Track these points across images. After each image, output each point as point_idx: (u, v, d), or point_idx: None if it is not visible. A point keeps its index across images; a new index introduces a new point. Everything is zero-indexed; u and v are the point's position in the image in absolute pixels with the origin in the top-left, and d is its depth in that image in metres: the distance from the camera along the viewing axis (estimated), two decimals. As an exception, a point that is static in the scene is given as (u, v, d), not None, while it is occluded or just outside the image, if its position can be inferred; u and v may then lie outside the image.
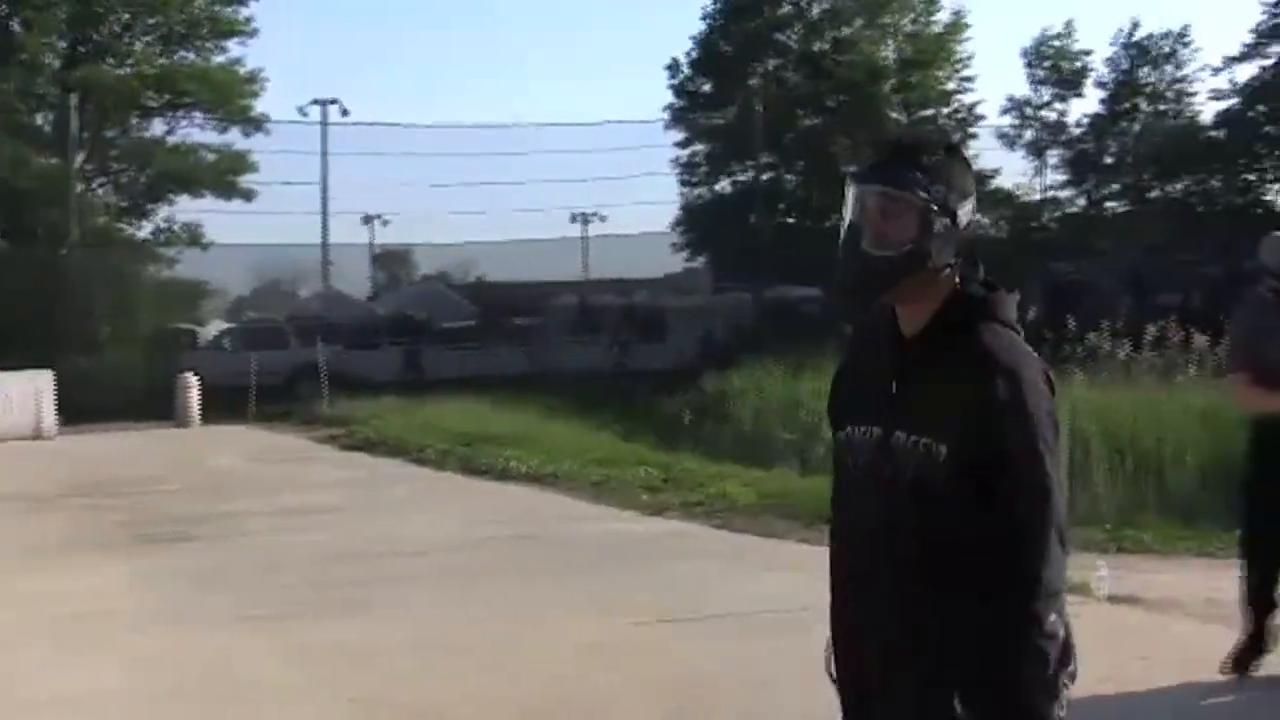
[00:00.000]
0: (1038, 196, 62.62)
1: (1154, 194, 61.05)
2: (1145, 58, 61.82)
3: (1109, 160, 61.94)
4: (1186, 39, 61.80)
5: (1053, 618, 3.42)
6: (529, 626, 11.30)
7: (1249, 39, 58.46)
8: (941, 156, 3.62)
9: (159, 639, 11.24)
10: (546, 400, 34.33)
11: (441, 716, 8.84)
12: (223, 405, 37.28)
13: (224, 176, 51.97)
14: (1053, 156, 63.07)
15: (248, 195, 52.97)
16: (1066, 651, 3.47)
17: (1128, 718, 8.06)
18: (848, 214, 3.63)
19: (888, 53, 62.60)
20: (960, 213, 3.58)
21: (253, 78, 52.28)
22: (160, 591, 13.48)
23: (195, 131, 52.27)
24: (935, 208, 3.53)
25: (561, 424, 29.63)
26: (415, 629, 11.30)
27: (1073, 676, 3.49)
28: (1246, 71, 58.83)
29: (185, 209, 52.96)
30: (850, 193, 3.64)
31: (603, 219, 75.06)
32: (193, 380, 37.27)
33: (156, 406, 36.85)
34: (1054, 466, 3.48)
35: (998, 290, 3.66)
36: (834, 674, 3.95)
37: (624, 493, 19.31)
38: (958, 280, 3.63)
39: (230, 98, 51.31)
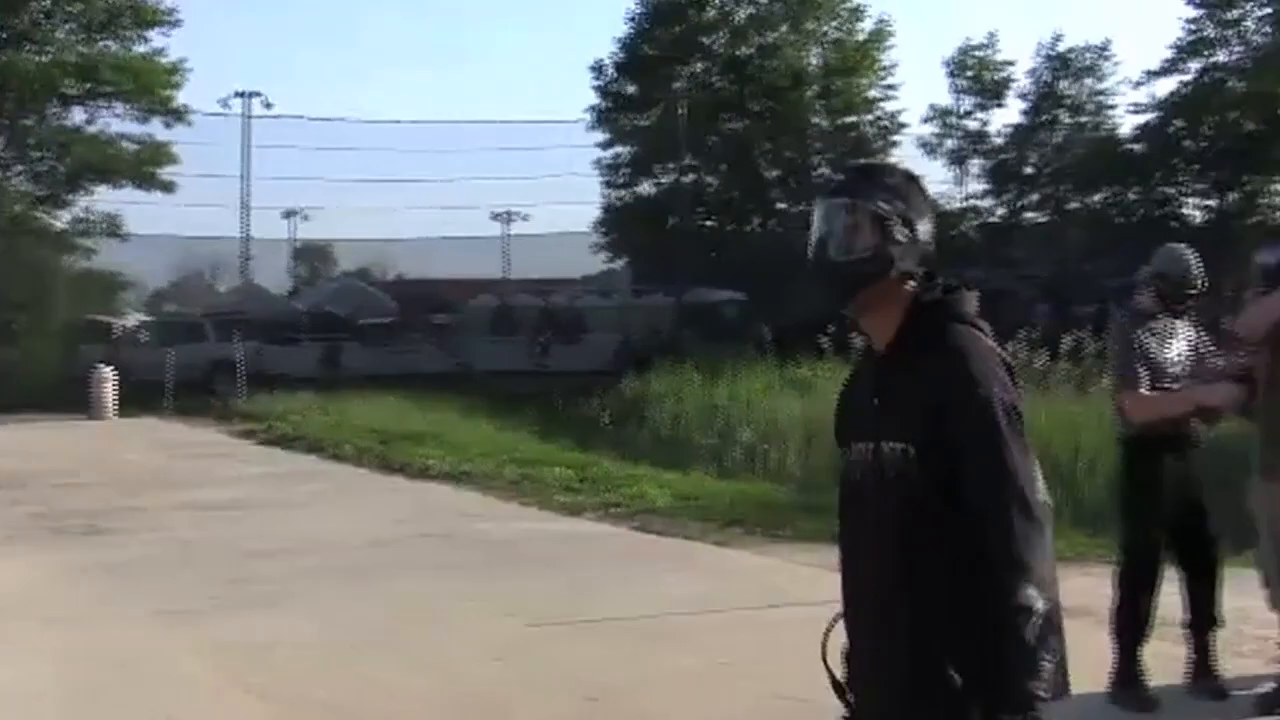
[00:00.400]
0: (958, 205, 62.93)
1: (1073, 205, 61.52)
2: (1066, 70, 62.27)
3: (1029, 171, 62.38)
4: (1107, 53, 62.33)
5: (1028, 592, 3.52)
6: (439, 624, 11.33)
7: (1169, 54, 59.05)
8: (900, 179, 3.91)
9: (70, 633, 11.20)
10: (465, 399, 34.34)
11: (348, 712, 8.87)
12: (139, 398, 37.10)
13: (144, 167, 51.55)
14: (974, 166, 63.48)
15: (168, 187, 52.62)
16: (1047, 628, 3.54)
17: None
18: (815, 231, 3.88)
19: (812, 59, 62.86)
20: (919, 227, 3.83)
21: (175, 68, 51.86)
22: (72, 585, 13.42)
23: (116, 121, 51.80)
24: (895, 219, 3.78)
25: (479, 423, 29.64)
26: (325, 625, 11.31)
27: (1054, 653, 3.56)
28: (1166, 86, 59.40)
29: (104, 199, 52.61)
30: (817, 209, 3.91)
31: (524, 218, 75.03)
32: (109, 373, 37.07)
33: (71, 398, 36.65)
34: (1017, 452, 3.64)
35: (957, 291, 3.87)
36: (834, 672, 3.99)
37: (540, 493, 19.35)
38: (917, 290, 3.84)
39: (152, 88, 50.86)
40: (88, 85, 50.31)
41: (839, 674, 3.96)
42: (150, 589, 13.06)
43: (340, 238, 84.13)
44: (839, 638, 3.93)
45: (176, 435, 31.40)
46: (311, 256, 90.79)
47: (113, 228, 52.26)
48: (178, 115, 51.93)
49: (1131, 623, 8.50)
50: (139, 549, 15.49)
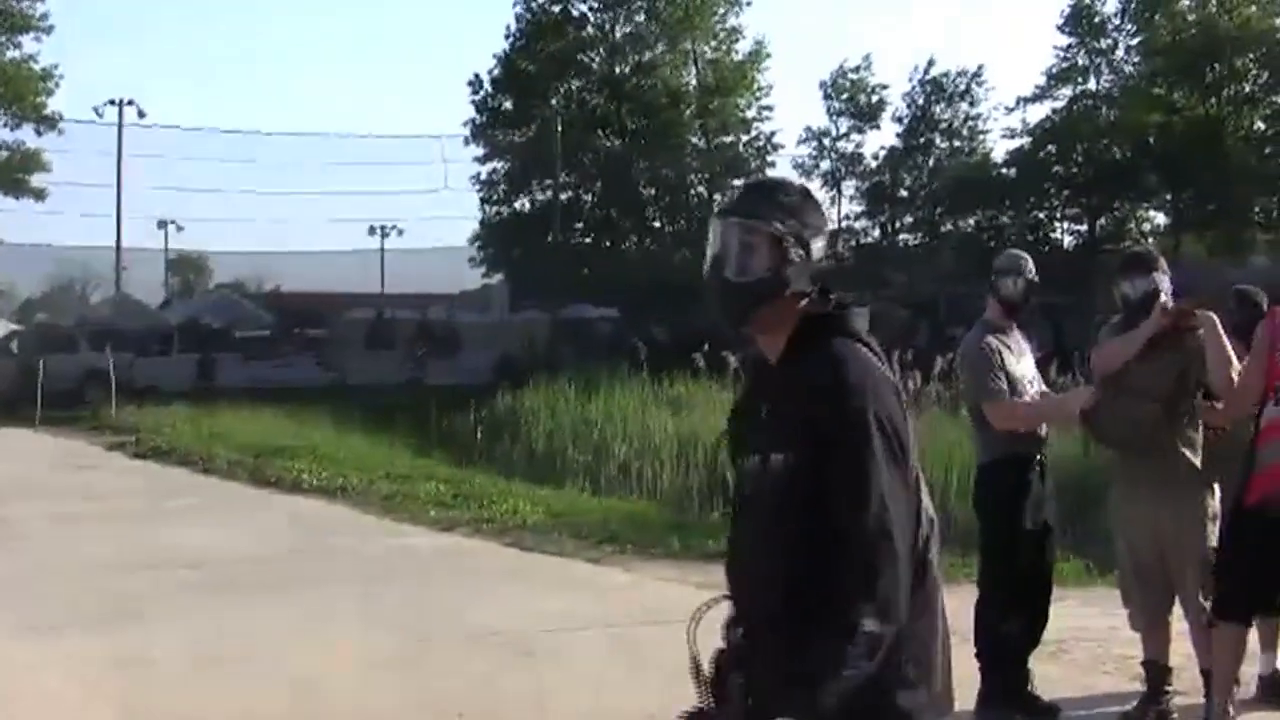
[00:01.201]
0: (833, 226, 63.46)
1: (947, 227, 62.27)
2: (941, 94, 63.01)
3: (904, 193, 63.07)
4: (980, 78, 63.22)
5: (861, 616, 3.54)
6: (308, 640, 11.28)
7: (1041, 81, 59.93)
8: (796, 197, 3.94)
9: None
10: (340, 413, 34.21)
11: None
12: (8, 409, 36.70)
13: (14, 174, 51.01)
14: (849, 187, 64.08)
15: (39, 194, 52.14)
16: (863, 655, 3.54)
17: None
18: (711, 248, 3.92)
19: (689, 78, 63.20)
20: (814, 246, 3.88)
21: (47, 75, 51.38)
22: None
23: (-15, 128, 51.21)
24: (791, 239, 3.83)
25: (354, 437, 29.54)
26: (191, 640, 11.21)
27: (861, 677, 3.55)
28: (1038, 112, 60.33)
29: (-27, 206, 51.97)
30: (713, 227, 3.94)
31: (400, 232, 74.78)
32: (-25, 383, 36.61)
33: (-63, 410, 36.14)
34: (885, 470, 3.64)
35: (846, 308, 3.95)
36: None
37: (414, 508, 19.28)
38: (810, 305, 3.90)
39: (23, 94, 50.35)
40: (-44, 91, 49.73)
41: (706, 657, 3.93)
42: (13, 603, 12.88)
43: (215, 249, 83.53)
44: (711, 625, 3.94)
45: (46, 446, 31.02)
46: (186, 268, 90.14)
47: (-18, 235, 51.62)
48: (49, 122, 51.42)
49: (996, 643, 8.50)
50: (3, 561, 15.29)
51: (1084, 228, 60.91)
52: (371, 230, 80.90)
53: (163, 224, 79.00)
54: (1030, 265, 8.72)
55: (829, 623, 3.56)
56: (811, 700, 3.54)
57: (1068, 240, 61.50)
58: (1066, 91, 59.54)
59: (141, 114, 62.29)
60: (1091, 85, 59.49)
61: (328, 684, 9.89)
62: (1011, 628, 8.54)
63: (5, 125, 51.00)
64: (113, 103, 61.18)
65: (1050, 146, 59.04)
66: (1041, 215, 61.58)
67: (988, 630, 8.54)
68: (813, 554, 3.65)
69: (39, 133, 51.31)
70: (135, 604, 12.66)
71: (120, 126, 61.73)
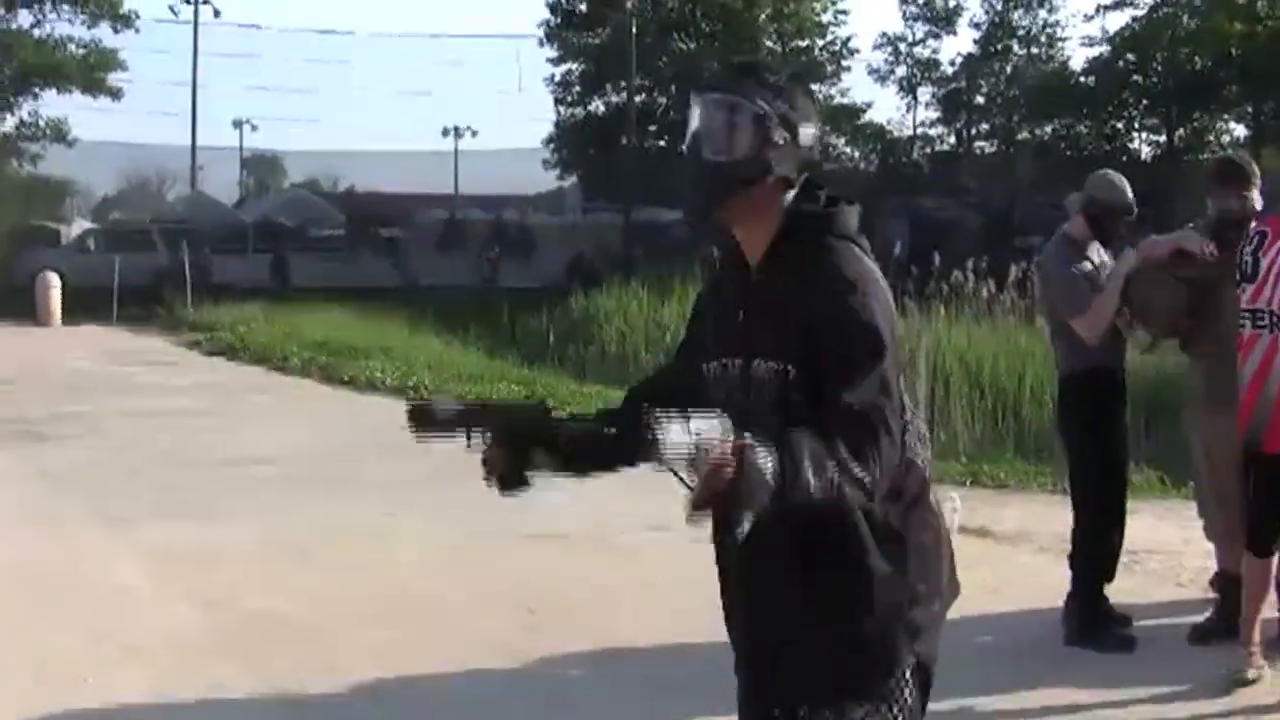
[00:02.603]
0: (908, 133, 63.01)
1: (1023, 136, 61.70)
2: (1019, 0, 62.30)
3: (980, 100, 62.49)
4: (1060, -15, 62.34)
5: (858, 473, 3.32)
6: (380, 536, 11.35)
7: (1121, -12, 59.15)
8: (785, 79, 3.66)
9: (8, 539, 11.17)
10: (412, 314, 34.26)
11: (288, 622, 8.88)
12: (85, 306, 36.89)
13: (92, 73, 51.08)
14: (924, 94, 63.55)
15: (115, 93, 52.21)
16: (845, 492, 3.31)
17: (976, 647, 8.22)
18: (692, 124, 3.65)
19: (765, -20, 62.68)
20: (802, 132, 3.61)
21: (123, -29, 51.33)
22: (13, 491, 13.38)
23: (63, 25, 51.24)
24: (776, 120, 3.56)
25: (427, 338, 29.60)
26: (266, 535, 11.31)
27: (834, 493, 3.29)
28: (1117, 20, 59.64)
29: (51, 104, 52.12)
30: (694, 105, 3.67)
31: (474, 134, 74.76)
32: (55, 279, 36.87)
33: (17, 305, 36.46)
34: (890, 377, 3.45)
35: (837, 204, 3.67)
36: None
37: (486, 409, 19.29)
38: (796, 200, 3.65)
39: (99, -9, 50.35)
40: (34, -12, 49.77)
41: None
42: (90, 496, 13.04)
43: (289, 149, 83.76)
44: None
45: (122, 344, 31.21)
46: (261, 167, 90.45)
47: (59, 133, 51.78)
48: (125, 21, 51.44)
49: (1102, 561, 8.42)
50: (80, 455, 15.45)
51: (1162, 138, 60.22)
52: (445, 132, 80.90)
53: (238, 123, 79.38)
54: (1131, 197, 8.52)
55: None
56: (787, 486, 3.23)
57: (1146, 151, 60.91)
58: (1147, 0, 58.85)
59: (217, 13, 62.46)
60: (1173, -7, 58.82)
61: (401, 579, 9.97)
62: (1114, 541, 8.47)
63: (82, 23, 51.05)
64: (189, 1, 61.35)
65: (1129, 55, 58.37)
66: (1119, 125, 60.93)
67: (1090, 544, 8.42)
68: None
69: (116, 30, 51.34)
70: (208, 499, 12.78)
71: (196, 25, 61.95)
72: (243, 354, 27.53)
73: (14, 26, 50.94)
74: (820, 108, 3.78)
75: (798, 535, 3.53)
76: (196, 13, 61.26)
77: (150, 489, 13.33)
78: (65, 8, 50.46)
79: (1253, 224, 7.61)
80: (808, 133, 3.63)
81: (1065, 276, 8.39)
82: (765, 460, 3.19)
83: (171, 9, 61.12)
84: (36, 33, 50.94)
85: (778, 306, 3.57)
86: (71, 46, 51.07)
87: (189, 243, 41.55)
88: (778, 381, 3.53)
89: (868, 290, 3.51)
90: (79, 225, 51.66)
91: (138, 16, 51.87)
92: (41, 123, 51.55)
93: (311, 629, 8.74)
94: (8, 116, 51.47)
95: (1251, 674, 7.37)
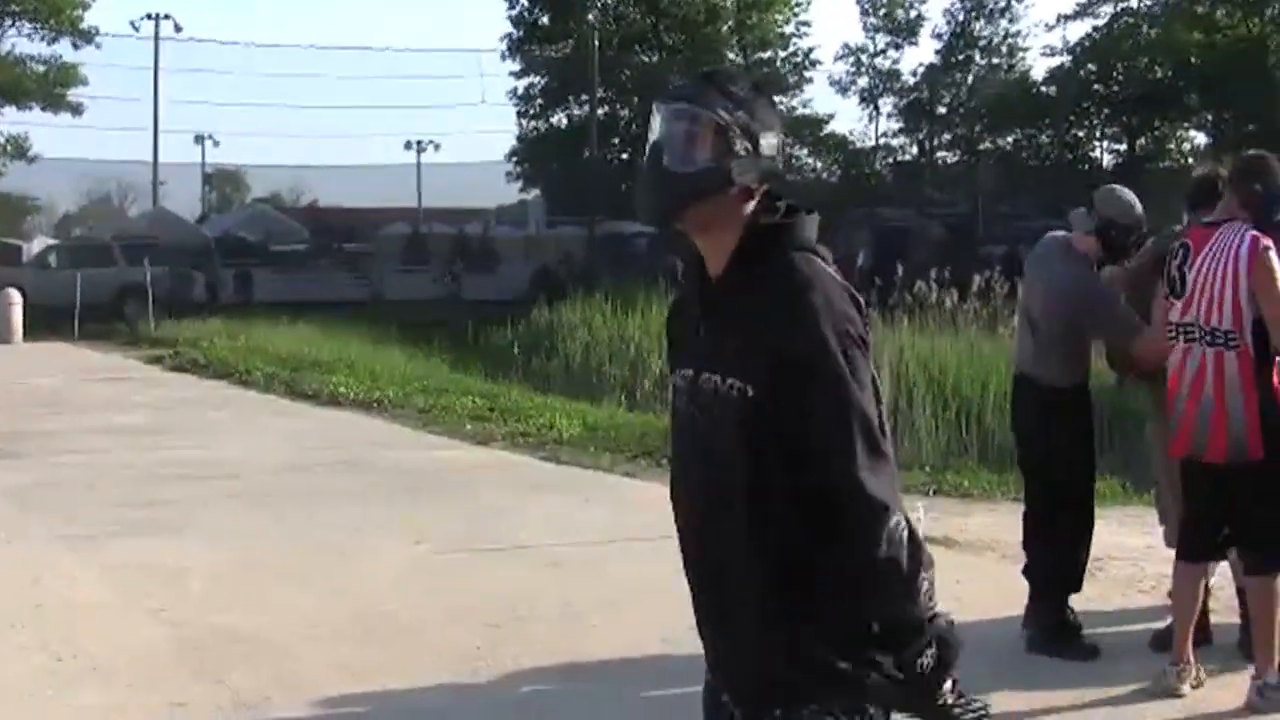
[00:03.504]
0: (871, 143, 63.20)
1: (985, 145, 61.94)
2: (981, 10, 62.55)
3: (942, 110, 62.70)
4: (1021, -6, 62.64)
5: (893, 523, 3.38)
6: (345, 551, 11.34)
7: (1081, -1, 59.44)
8: (747, 88, 3.59)
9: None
10: (375, 327, 34.27)
11: (254, 638, 8.87)
12: (47, 323, 36.83)
13: (52, 89, 50.94)
14: (886, 104, 63.74)
15: (76, 109, 52.12)
16: (916, 550, 3.43)
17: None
18: (652, 134, 3.61)
19: (726, -8, 62.79)
20: (763, 142, 3.53)
21: (83, -13, 51.21)
22: (-25, 507, 13.36)
23: (23, 42, 51.10)
24: (737, 130, 3.50)
25: (390, 351, 29.58)
26: (232, 551, 11.30)
27: (929, 567, 3.46)
28: (1078, 30, 59.96)
29: (11, 120, 51.94)
30: (655, 115, 3.62)
31: (437, 147, 74.66)
32: (16, 296, 36.72)
33: (-24, 322, 36.27)
34: (862, 390, 3.41)
35: (796, 214, 3.60)
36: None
37: (450, 421, 19.35)
38: (756, 211, 3.57)
39: (60, 8, 50.21)
40: (-6, 5, 49.61)
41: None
42: (56, 513, 13.01)
43: (252, 163, 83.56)
44: None
45: (85, 360, 31.17)
46: (223, 182, 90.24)
47: (20, 149, 51.63)
48: (86, 36, 51.32)
49: (1077, 571, 8.46)
50: (45, 473, 15.40)
51: (1124, 147, 60.58)
52: (408, 145, 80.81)
53: (200, 138, 79.10)
54: (1144, 215, 8.46)
55: (861, 547, 3.37)
56: (919, 615, 3.44)
57: (1107, 159, 61.19)
58: (1107, 9, 59.13)
59: (178, 28, 62.35)
60: (1133, 3, 59.08)
61: (365, 594, 9.96)
62: (1088, 551, 8.55)
63: (43, 39, 50.93)
64: (150, 17, 61.19)
65: (1090, 65, 58.70)
66: (1081, 134, 61.28)
67: (1070, 553, 8.43)
68: (794, 487, 3.42)
69: (76, 46, 51.25)
70: (173, 515, 12.77)
71: (157, 40, 61.76)
72: (206, 369, 27.49)
73: (-27, 45, 50.80)
74: (783, 118, 3.75)
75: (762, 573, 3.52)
76: (157, 28, 61.08)
77: (114, 505, 13.30)
78: (25, 24, 50.30)
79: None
80: (770, 143, 3.55)
81: (1110, 297, 8.37)
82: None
83: (133, 24, 61.02)
84: (-4, 50, 50.82)
85: (739, 322, 3.50)
86: (32, 63, 50.90)
87: (151, 258, 41.43)
88: (738, 400, 3.46)
89: (833, 305, 3.43)
90: (40, 242, 51.47)
91: (98, 32, 51.77)
92: (2, 139, 51.36)
93: (277, 645, 8.73)
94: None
95: (1185, 689, 7.43)
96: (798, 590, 3.45)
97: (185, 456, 16.43)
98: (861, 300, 3.54)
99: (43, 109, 51.36)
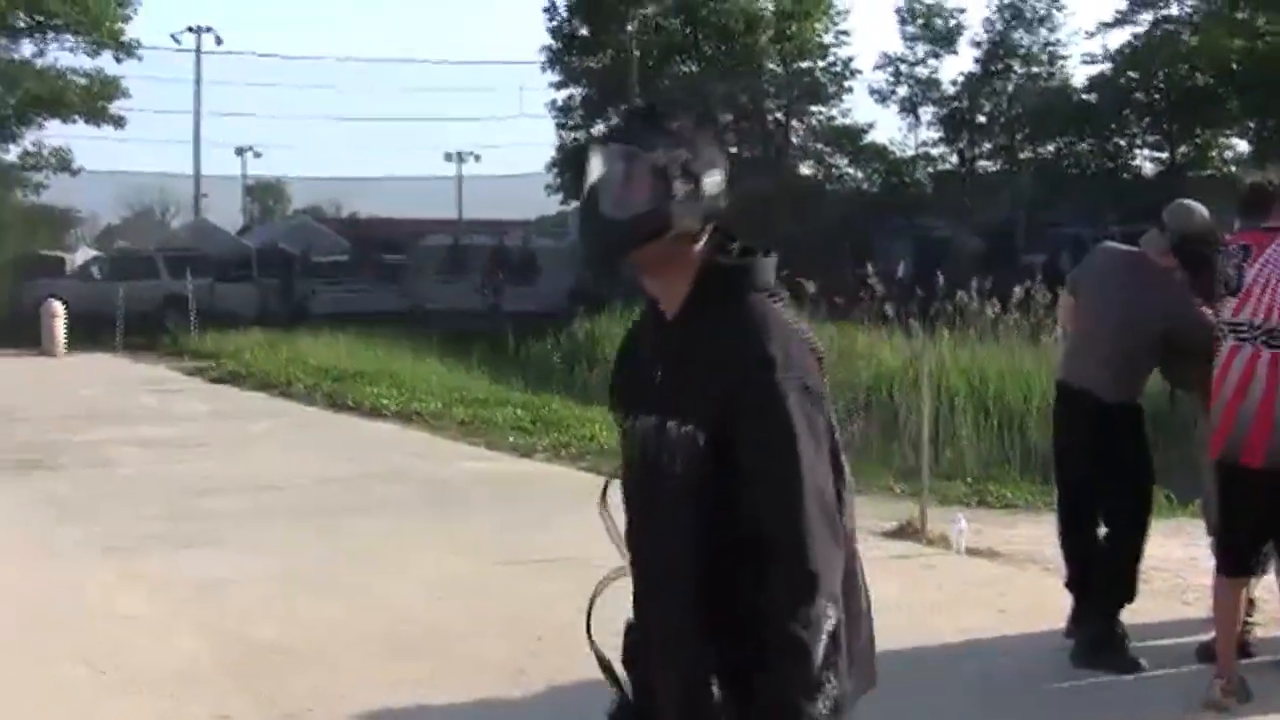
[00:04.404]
0: (910, 153, 62.98)
1: (1025, 154, 61.66)
2: (1019, 20, 62.27)
3: (982, 119, 62.41)
4: (1060, 3, 62.30)
5: (820, 604, 3.23)
6: (386, 563, 11.34)
7: (1121, 5, 59.18)
8: (689, 124, 3.46)
9: (13, 568, 11.17)
10: (416, 339, 34.31)
11: (295, 651, 8.87)
12: (89, 334, 36.99)
13: (94, 102, 51.07)
14: (926, 113, 63.49)
15: (119, 121, 52.19)
16: (832, 647, 3.25)
17: (982, 668, 8.24)
18: (588, 179, 3.44)
19: (766, 3, 62.65)
20: (706, 180, 3.40)
21: (124, 1, 51.39)
22: (17, 520, 13.40)
23: (65, 55, 51.29)
24: (676, 170, 3.35)
25: (430, 363, 29.63)
26: (273, 563, 11.31)
27: (838, 675, 3.25)
28: (1118, 38, 59.60)
29: (54, 133, 52.14)
30: (592, 156, 3.47)
31: (477, 159, 74.77)
32: (59, 308, 36.88)
33: (22, 333, 36.47)
34: (812, 445, 3.30)
35: (754, 255, 3.48)
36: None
37: (491, 433, 19.36)
38: (709, 251, 3.46)
39: (101, 21, 50.37)
40: (37, 18, 49.75)
41: (606, 651, 3.79)
42: (96, 524, 13.04)
43: (293, 175, 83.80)
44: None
45: (127, 371, 31.31)
46: (264, 194, 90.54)
47: (63, 162, 51.82)
48: (128, 49, 51.45)
49: (1132, 583, 8.38)
50: (85, 484, 15.46)
51: (1165, 155, 60.20)
52: (448, 157, 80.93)
53: (241, 150, 79.38)
54: (1206, 213, 8.39)
55: (780, 620, 3.24)
56: (808, 713, 3.22)
57: (1148, 167, 60.88)
58: (1147, 16, 58.69)
59: (219, 40, 62.55)
60: (1173, 10, 58.74)
61: (404, 605, 9.95)
62: (1138, 564, 8.46)
63: (85, 52, 51.11)
64: (191, 29, 61.47)
65: (1131, 72, 58.39)
66: (1121, 142, 60.89)
67: (1126, 566, 8.37)
68: (742, 539, 3.31)
69: (118, 60, 51.39)
70: (214, 527, 12.79)
71: (199, 52, 62.05)
72: (247, 380, 27.58)
73: (16, 57, 50.96)
74: (728, 153, 3.64)
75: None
76: (199, 41, 61.36)
77: (155, 517, 13.33)
78: (68, 38, 50.49)
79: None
80: (713, 181, 3.42)
81: (1195, 313, 8.19)
82: None
83: (174, 37, 61.19)
84: (39, 62, 50.99)
85: (693, 366, 3.40)
86: (74, 76, 51.09)
87: (193, 270, 41.63)
88: (690, 447, 3.37)
89: (787, 351, 3.33)
90: (83, 253, 51.68)
91: (140, 45, 51.92)
92: (45, 152, 51.57)
93: (319, 658, 8.73)
94: (11, 146, 51.50)
95: (1230, 702, 7.35)
96: (740, 645, 3.35)
97: (226, 468, 16.48)
98: (820, 348, 3.45)
99: (85, 122, 51.53)
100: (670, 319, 3.50)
